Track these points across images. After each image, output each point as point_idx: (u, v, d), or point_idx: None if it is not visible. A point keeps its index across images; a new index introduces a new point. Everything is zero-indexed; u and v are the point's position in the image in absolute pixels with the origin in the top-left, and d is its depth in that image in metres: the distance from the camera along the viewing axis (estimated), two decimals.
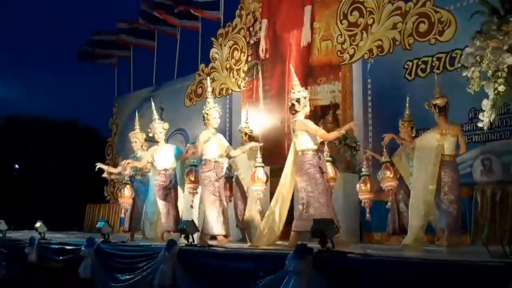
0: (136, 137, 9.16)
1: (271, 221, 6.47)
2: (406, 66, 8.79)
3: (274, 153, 9.49)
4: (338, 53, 9.73)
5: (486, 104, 4.51)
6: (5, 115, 21.30)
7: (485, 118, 4.53)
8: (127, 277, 6.01)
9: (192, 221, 6.03)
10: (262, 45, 11.30)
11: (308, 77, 10.30)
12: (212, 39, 12.38)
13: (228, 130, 11.70)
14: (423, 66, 8.58)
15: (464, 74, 4.61)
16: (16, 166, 22.55)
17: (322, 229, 4.45)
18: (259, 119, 10.74)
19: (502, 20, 4.28)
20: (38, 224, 8.48)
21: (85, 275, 6.65)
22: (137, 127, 9.27)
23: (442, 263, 3.97)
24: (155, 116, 8.61)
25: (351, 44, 9.55)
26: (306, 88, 9.98)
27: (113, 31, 15.90)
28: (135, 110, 14.37)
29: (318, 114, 10.04)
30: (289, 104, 6.65)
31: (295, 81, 6.68)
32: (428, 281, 3.80)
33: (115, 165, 14.15)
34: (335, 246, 4.51)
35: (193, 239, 5.79)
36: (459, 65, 5.03)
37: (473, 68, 4.42)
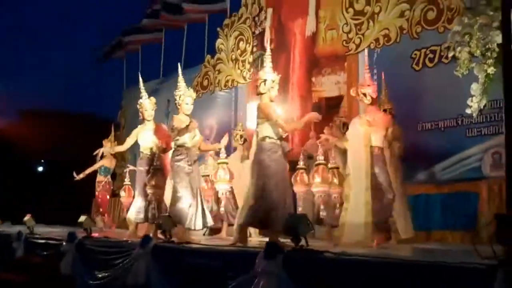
0: (144, 105, 7.64)
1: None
2: (413, 56, 8.33)
3: None
4: (344, 42, 9.32)
5: (475, 88, 4.06)
6: (20, 109, 21.09)
7: (474, 104, 4.08)
8: (104, 274, 5.70)
9: (169, 216, 5.68)
10: (267, 35, 10.89)
11: (313, 67, 9.92)
12: (218, 29, 12.07)
13: (234, 123, 11.35)
14: (431, 55, 8.11)
15: (451, 54, 4.16)
16: (41, 165, 22.39)
17: (294, 225, 4.06)
18: None
19: None
20: (26, 218, 8.19)
21: (66, 271, 6.36)
22: (143, 92, 7.73)
23: (423, 264, 3.56)
24: (143, 93, 7.63)
25: (357, 33, 9.15)
26: (311, 79, 9.87)
27: (120, 34, 15.75)
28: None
29: (323, 106, 9.67)
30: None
31: (268, 61, 6.01)
32: (409, 283, 3.42)
33: (123, 159, 13.96)
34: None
35: (170, 235, 5.44)
36: (446, 45, 4.55)
37: (459, 48, 3.97)
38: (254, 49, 11.13)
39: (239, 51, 11.47)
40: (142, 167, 7.44)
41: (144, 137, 7.53)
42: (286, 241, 4.57)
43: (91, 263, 6.04)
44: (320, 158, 6.64)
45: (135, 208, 7.37)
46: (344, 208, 5.91)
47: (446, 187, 7.49)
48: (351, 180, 6.00)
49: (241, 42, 11.45)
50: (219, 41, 12.00)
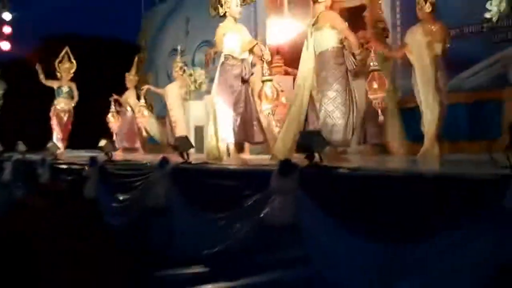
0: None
1: None
2: None
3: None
4: None
5: None
6: (42, 35, 20.89)
7: (493, 7, 3.82)
8: (125, 197, 5.74)
9: (186, 137, 5.62)
10: None
11: None
12: None
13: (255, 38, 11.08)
14: None
15: None
16: None
17: (308, 141, 3.95)
18: (283, 27, 10.08)
19: None
20: (49, 144, 8.22)
21: (89, 194, 6.41)
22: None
23: (437, 177, 3.46)
24: None
25: None
26: None
27: None
28: (163, 22, 13.92)
29: (345, 17, 9.35)
30: None
31: None
32: (423, 195, 3.33)
33: (145, 82, 13.66)
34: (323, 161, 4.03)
35: (187, 156, 5.40)
36: None
37: None
38: None
39: None
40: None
41: (236, 38, 6.23)
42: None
43: (113, 186, 6.07)
44: (375, 64, 6.23)
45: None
46: None
47: (471, 95, 7.26)
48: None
49: None
50: None
